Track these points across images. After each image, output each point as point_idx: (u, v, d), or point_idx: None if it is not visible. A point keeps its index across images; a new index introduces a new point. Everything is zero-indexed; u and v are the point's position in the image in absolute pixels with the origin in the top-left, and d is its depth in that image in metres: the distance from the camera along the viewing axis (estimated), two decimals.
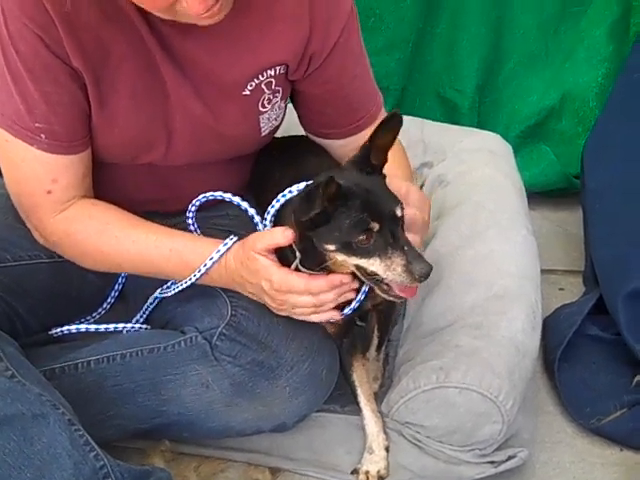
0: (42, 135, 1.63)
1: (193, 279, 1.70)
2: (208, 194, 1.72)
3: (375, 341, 2.03)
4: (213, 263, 1.66)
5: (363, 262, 1.52)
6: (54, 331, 1.92)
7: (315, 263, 1.59)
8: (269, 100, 1.77)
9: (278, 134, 1.96)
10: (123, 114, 1.68)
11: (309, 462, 1.93)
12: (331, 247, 1.53)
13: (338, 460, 1.92)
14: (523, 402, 1.85)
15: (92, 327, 1.92)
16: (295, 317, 1.67)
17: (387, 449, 1.88)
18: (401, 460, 1.89)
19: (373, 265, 1.51)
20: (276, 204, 1.64)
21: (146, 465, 1.75)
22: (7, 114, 1.62)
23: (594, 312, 2.26)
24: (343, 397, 1.91)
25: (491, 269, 2.03)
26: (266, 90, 1.74)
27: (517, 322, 1.90)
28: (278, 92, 1.77)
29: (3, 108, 1.62)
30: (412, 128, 2.62)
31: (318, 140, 1.95)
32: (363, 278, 1.57)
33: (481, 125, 2.88)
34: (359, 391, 1.88)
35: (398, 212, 1.50)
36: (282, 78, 1.76)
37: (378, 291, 1.59)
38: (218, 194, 1.72)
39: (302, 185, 1.61)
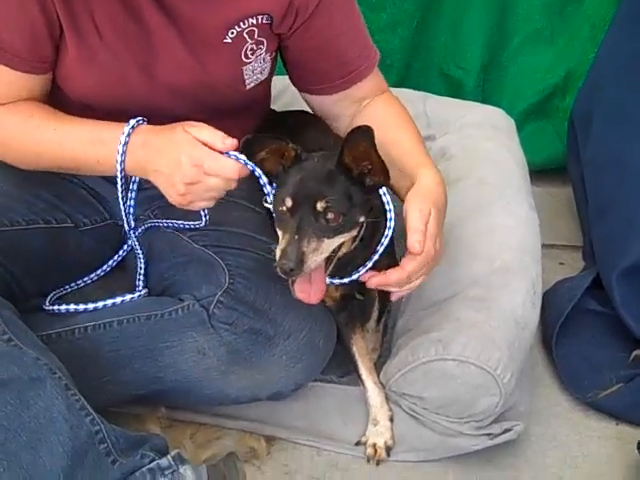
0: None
1: (119, 154, 1.62)
2: None
3: (375, 313, 2.03)
4: (127, 137, 1.61)
5: (278, 232, 1.54)
6: (49, 307, 1.86)
7: None
8: (252, 50, 1.75)
9: (279, 107, 1.95)
10: (104, 51, 1.68)
11: (305, 431, 1.93)
12: (271, 208, 1.58)
13: (334, 430, 1.92)
14: (520, 375, 1.85)
15: (90, 306, 1.84)
16: (191, 206, 1.62)
17: (391, 419, 1.88)
18: (397, 431, 1.89)
19: (279, 237, 1.53)
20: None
21: (142, 431, 1.75)
22: None
23: (593, 287, 2.26)
24: (340, 367, 1.92)
25: (493, 243, 2.03)
26: (248, 39, 1.73)
27: (518, 296, 1.89)
28: (262, 43, 1.76)
29: None
30: (415, 101, 2.60)
31: (310, 98, 1.94)
32: None
33: (485, 102, 2.85)
34: (360, 363, 1.88)
35: (318, 205, 1.49)
36: (266, 29, 1.74)
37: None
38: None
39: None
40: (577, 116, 2.56)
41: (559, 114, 2.93)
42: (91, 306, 1.84)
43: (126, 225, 1.83)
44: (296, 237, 1.47)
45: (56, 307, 1.84)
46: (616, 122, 2.31)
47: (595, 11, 2.81)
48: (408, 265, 1.57)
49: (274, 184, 1.60)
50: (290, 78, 1.95)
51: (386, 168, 1.53)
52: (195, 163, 1.53)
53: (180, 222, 1.88)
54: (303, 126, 1.97)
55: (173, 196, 1.59)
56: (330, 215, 1.49)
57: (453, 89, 2.98)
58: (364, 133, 1.46)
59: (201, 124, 1.57)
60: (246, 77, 1.80)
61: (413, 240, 1.53)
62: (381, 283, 1.61)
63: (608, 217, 2.30)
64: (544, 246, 2.16)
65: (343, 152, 1.51)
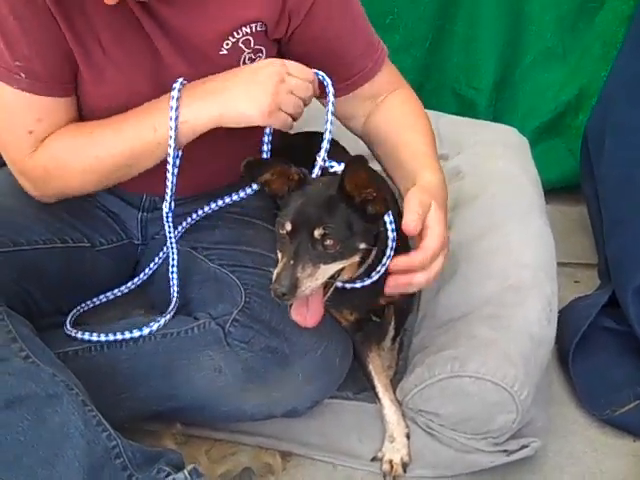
0: (22, 74, 1.63)
1: (173, 112, 1.62)
2: None
3: (391, 332, 2.03)
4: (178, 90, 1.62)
5: (278, 253, 1.54)
6: (70, 331, 1.84)
7: None
8: (251, 59, 1.75)
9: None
10: (111, 68, 1.69)
11: (321, 447, 1.93)
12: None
13: (350, 446, 1.92)
14: (537, 392, 1.84)
15: (111, 337, 1.80)
16: (276, 116, 1.61)
17: (408, 436, 1.88)
18: (414, 448, 1.88)
19: (278, 260, 1.53)
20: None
21: (157, 447, 1.75)
22: None
23: (609, 305, 2.24)
24: (356, 384, 1.91)
25: (507, 260, 2.02)
26: (245, 49, 1.73)
27: (533, 313, 1.89)
28: (260, 52, 1.76)
29: None
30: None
31: (321, 101, 1.91)
32: None
33: (497, 121, 2.86)
34: (376, 381, 1.88)
35: (316, 232, 1.49)
36: (261, 37, 1.74)
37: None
38: None
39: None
40: (591, 134, 2.56)
41: (572, 132, 2.94)
42: (112, 337, 1.80)
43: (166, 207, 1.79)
44: (292, 262, 1.47)
45: (79, 334, 1.82)
46: (627, 140, 2.31)
47: (606, 28, 2.82)
48: (429, 242, 1.53)
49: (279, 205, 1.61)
50: None
51: (385, 198, 1.53)
52: (278, 63, 1.58)
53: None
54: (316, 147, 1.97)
55: (260, 99, 1.59)
56: (328, 242, 1.49)
57: (466, 109, 2.98)
58: (363, 163, 1.46)
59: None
60: None
61: (408, 219, 1.50)
62: (407, 264, 1.53)
63: (622, 234, 2.30)
64: (559, 264, 2.14)
65: (344, 180, 1.50)
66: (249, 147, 1.72)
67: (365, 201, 1.52)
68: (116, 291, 1.99)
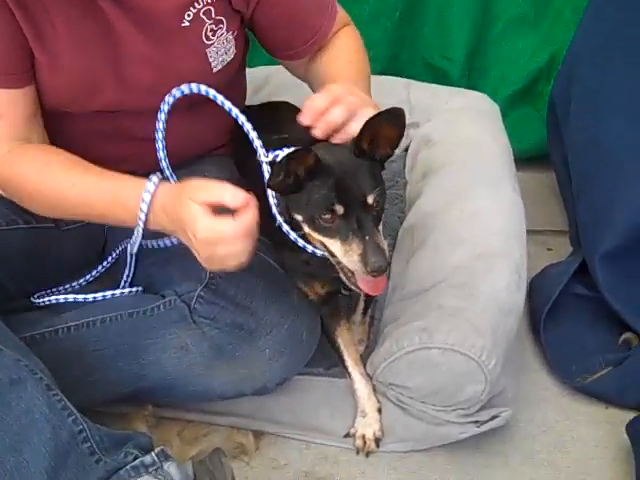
0: None
1: (141, 219, 1.59)
2: (183, 87, 1.66)
3: (361, 305, 2.02)
4: (148, 206, 1.57)
5: (325, 240, 1.52)
6: (38, 300, 1.89)
7: (293, 228, 1.59)
8: (212, 31, 1.73)
9: (261, 100, 1.95)
10: (67, 54, 1.66)
11: (293, 425, 1.92)
12: (299, 217, 1.54)
13: (322, 422, 1.91)
14: (507, 362, 1.84)
15: (80, 297, 1.87)
16: (228, 269, 1.54)
17: (379, 410, 1.88)
18: (386, 422, 1.88)
19: (333, 246, 1.51)
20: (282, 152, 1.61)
21: (129, 430, 1.74)
22: None
23: (580, 271, 2.24)
24: (327, 359, 1.90)
25: (476, 228, 2.01)
26: (206, 20, 1.71)
27: (501, 280, 1.88)
28: (222, 22, 1.73)
29: None
30: (398, 89, 2.61)
31: (290, 64, 1.94)
32: (331, 258, 1.56)
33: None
34: (345, 355, 1.87)
35: (369, 199, 1.48)
36: (223, 7, 1.72)
37: (342, 275, 1.58)
38: (204, 89, 1.66)
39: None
40: (557, 99, 2.54)
41: (544, 99, 2.88)
42: (81, 297, 1.85)
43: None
44: (367, 237, 1.46)
45: (46, 299, 1.85)
46: (592, 102, 2.29)
47: None
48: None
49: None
50: (266, 51, 1.94)
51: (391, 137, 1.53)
52: (203, 239, 1.48)
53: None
54: (285, 118, 1.93)
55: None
56: (377, 205, 1.49)
57: (439, 80, 2.93)
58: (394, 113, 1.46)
59: (204, 183, 1.50)
60: (211, 60, 1.77)
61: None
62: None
63: (588, 199, 2.29)
64: (531, 232, 2.15)
65: (362, 138, 1.49)
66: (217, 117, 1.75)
67: (374, 149, 1.53)
68: (89, 277, 1.97)
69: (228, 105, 1.66)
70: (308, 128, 1.60)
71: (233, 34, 1.78)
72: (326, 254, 1.56)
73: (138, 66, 1.72)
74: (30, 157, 1.70)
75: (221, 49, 1.77)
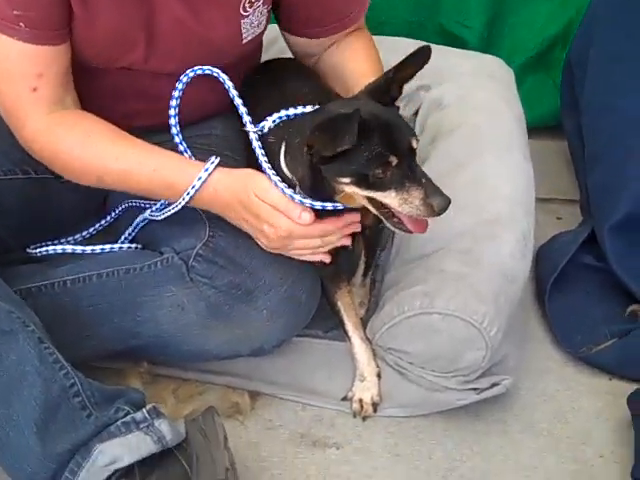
0: (21, 24, 1.56)
1: (181, 203, 1.65)
2: (196, 68, 1.66)
3: (362, 266, 1.98)
4: (196, 191, 1.60)
5: (378, 195, 1.48)
6: (33, 250, 1.88)
7: (319, 195, 1.55)
8: (250, 3, 1.70)
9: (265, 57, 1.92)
10: (105, 11, 1.62)
11: (289, 386, 1.91)
12: (345, 180, 1.49)
13: (319, 385, 1.89)
14: (510, 330, 1.81)
15: (78, 248, 1.87)
16: (286, 254, 1.64)
17: (379, 375, 1.86)
18: (384, 387, 1.86)
19: (387, 198, 1.47)
20: (276, 119, 1.62)
21: (123, 386, 1.72)
22: None
23: (589, 241, 2.21)
24: (326, 321, 1.87)
25: (483, 193, 1.97)
26: None
27: (506, 247, 1.84)
28: None
29: None
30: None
31: (292, 37, 1.91)
32: (374, 210, 1.53)
33: None
34: (345, 318, 1.84)
35: (414, 144, 1.46)
36: None
37: (389, 224, 1.55)
38: (207, 68, 1.67)
39: (308, 108, 1.60)
40: (574, 60, 2.47)
41: (559, 66, 2.83)
42: (79, 248, 1.85)
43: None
44: (423, 180, 1.44)
45: (43, 249, 1.85)
46: (610, 67, 2.23)
47: None
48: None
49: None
50: (277, 21, 1.91)
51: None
52: (280, 234, 1.56)
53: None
54: (289, 75, 1.91)
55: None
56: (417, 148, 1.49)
57: (456, 47, 2.88)
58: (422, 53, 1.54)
59: (270, 186, 1.56)
60: (244, 31, 1.75)
61: None
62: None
63: (601, 166, 2.24)
64: (541, 200, 2.12)
65: (392, 83, 1.53)
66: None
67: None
68: (92, 230, 1.96)
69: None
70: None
71: (267, 8, 1.76)
72: (370, 209, 1.54)
73: (171, 29, 1.68)
74: (71, 124, 1.68)
75: (255, 21, 1.75)
